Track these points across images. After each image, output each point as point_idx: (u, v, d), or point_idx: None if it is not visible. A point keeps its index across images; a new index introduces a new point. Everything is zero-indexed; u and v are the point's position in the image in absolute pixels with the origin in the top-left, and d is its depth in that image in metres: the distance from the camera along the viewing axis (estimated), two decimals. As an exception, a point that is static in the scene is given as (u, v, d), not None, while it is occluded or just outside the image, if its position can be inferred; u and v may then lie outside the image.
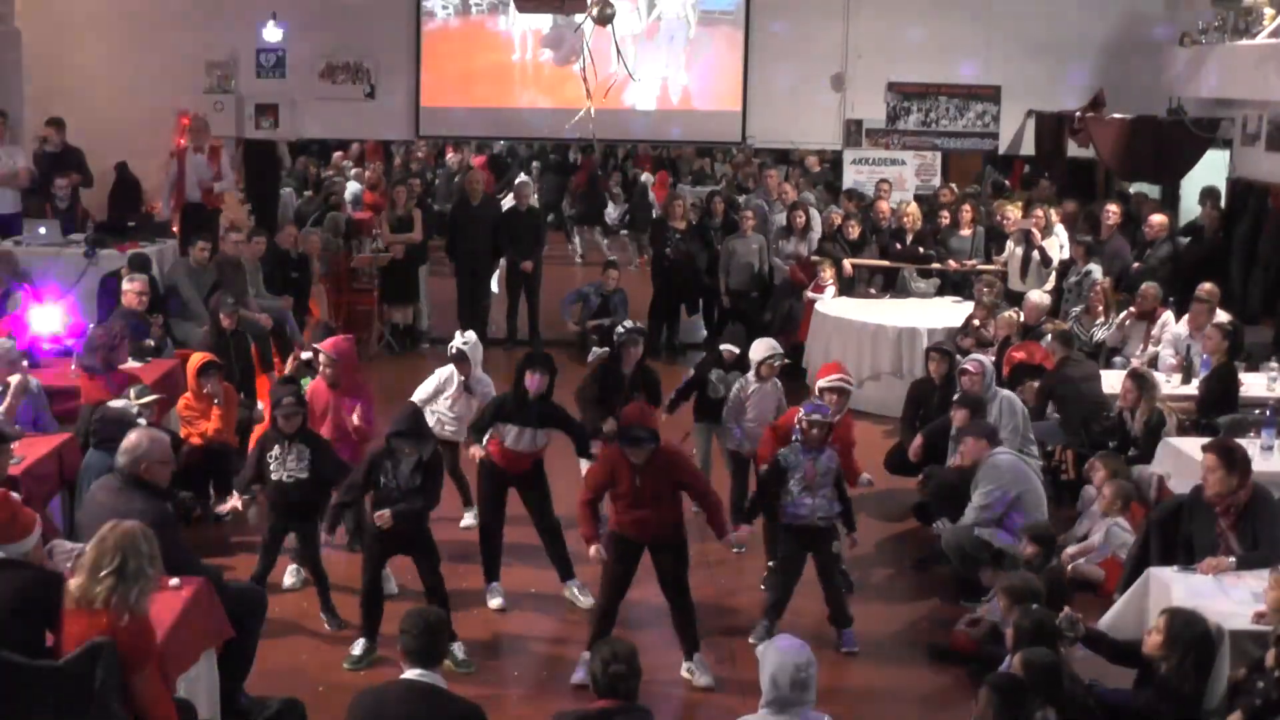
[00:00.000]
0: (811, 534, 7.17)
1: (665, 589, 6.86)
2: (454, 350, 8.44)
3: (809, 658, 4.68)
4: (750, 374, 8.57)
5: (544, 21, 13.55)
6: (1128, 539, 7.81)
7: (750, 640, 7.10)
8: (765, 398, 8.51)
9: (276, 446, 7.24)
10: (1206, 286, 10.27)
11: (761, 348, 8.59)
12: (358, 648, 6.91)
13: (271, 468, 7.25)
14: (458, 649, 6.87)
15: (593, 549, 6.84)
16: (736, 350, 8.88)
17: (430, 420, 8.07)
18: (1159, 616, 5.61)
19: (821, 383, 8.00)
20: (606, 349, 9.26)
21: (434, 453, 7.03)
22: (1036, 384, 9.52)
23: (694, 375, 9.07)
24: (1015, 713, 5.00)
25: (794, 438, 7.24)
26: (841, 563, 7.69)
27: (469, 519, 8.67)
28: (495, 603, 7.68)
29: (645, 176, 21.50)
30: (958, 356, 9.46)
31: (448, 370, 8.56)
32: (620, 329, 8.92)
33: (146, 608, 4.89)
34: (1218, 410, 8.86)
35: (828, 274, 12.48)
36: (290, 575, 7.80)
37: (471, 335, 8.63)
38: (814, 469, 7.12)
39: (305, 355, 9.10)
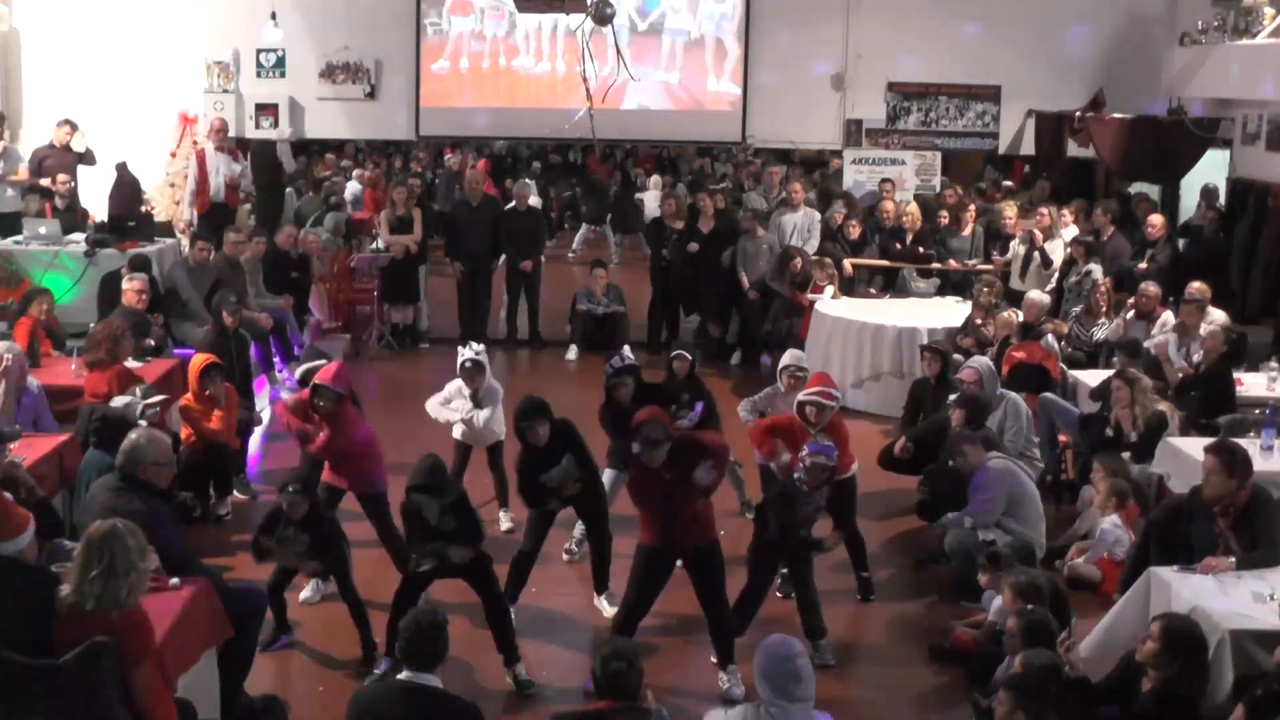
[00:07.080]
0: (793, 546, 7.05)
1: (701, 600, 6.61)
2: (467, 363, 8.13)
3: (797, 649, 4.63)
4: (777, 384, 8.35)
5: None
6: (1120, 535, 7.82)
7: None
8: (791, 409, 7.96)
9: (286, 528, 6.88)
10: (1196, 285, 10.24)
11: (784, 358, 8.45)
12: (383, 665, 6.58)
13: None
14: (520, 670, 6.60)
15: None
16: (689, 358, 8.58)
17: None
18: (1153, 623, 5.55)
19: (801, 396, 7.65)
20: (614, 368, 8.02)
21: (458, 495, 6.72)
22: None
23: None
24: (1041, 710, 4.97)
25: (795, 475, 6.97)
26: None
27: (505, 521, 8.42)
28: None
29: (654, 179, 21.58)
30: (956, 356, 9.44)
31: (455, 384, 8.29)
32: (608, 368, 7.91)
33: (132, 603, 4.83)
34: (1213, 411, 8.84)
35: (824, 276, 12.43)
36: (309, 589, 7.54)
37: (479, 345, 8.34)
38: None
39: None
